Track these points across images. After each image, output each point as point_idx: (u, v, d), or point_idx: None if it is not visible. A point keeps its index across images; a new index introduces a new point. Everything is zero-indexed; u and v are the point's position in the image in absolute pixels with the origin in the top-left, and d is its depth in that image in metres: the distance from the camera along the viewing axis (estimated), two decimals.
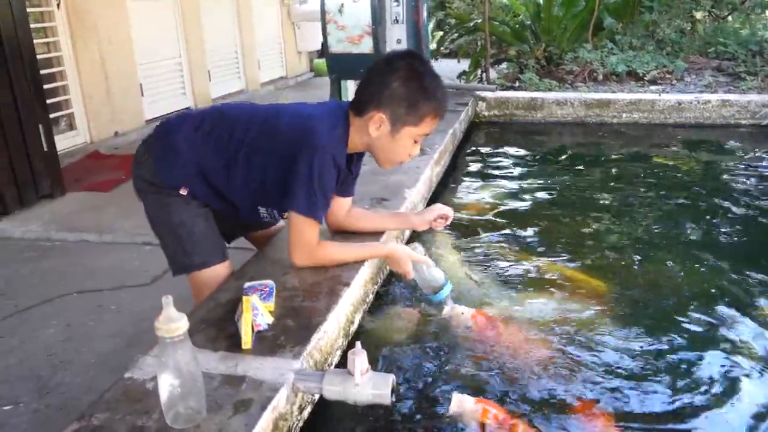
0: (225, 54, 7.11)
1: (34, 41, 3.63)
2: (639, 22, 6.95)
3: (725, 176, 4.04)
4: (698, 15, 7.59)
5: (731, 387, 1.77)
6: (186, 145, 1.79)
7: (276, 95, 7.42)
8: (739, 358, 1.90)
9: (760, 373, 1.84)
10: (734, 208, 3.28)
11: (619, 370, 1.84)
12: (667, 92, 5.46)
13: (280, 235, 2.18)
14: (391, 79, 1.69)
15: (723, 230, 3.04)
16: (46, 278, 2.81)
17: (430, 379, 1.81)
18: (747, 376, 1.82)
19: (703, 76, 5.91)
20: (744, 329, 2.07)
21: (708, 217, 3.20)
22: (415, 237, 2.68)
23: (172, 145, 1.81)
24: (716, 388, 1.77)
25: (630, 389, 1.76)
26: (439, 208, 2.20)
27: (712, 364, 1.88)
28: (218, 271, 1.87)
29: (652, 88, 5.67)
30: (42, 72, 3.79)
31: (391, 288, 2.33)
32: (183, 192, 1.81)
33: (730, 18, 7.80)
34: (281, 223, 2.21)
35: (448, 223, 2.20)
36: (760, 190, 3.64)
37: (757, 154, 4.48)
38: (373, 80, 1.73)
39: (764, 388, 1.78)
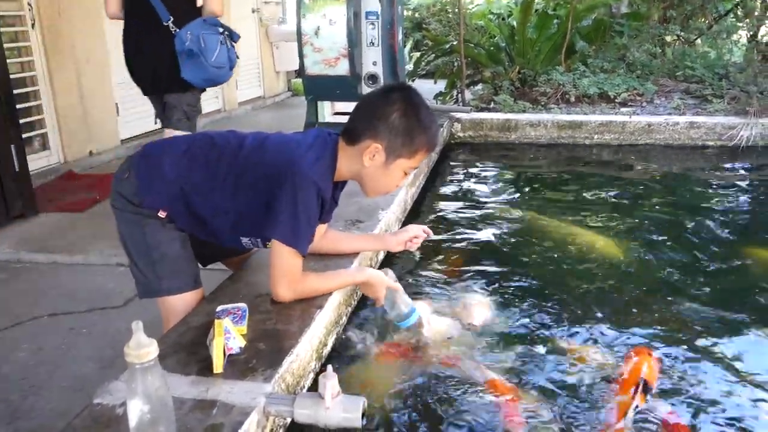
0: None
1: (8, 60, 3.61)
2: (610, 46, 7.12)
3: (693, 195, 4.15)
4: (668, 38, 7.79)
5: None
6: (172, 166, 1.77)
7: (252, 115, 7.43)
8: None
9: None
10: (701, 226, 3.37)
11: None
12: (638, 114, 5.58)
13: (255, 257, 2.19)
14: (389, 111, 1.69)
15: (685, 250, 3.12)
16: (17, 301, 2.78)
17: (401, 404, 1.82)
18: None
19: (672, 99, 6.05)
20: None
21: (675, 235, 3.28)
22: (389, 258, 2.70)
23: (157, 165, 1.78)
24: None
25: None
26: (414, 229, 2.23)
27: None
28: (187, 299, 1.84)
29: (623, 110, 5.79)
30: (15, 92, 3.76)
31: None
32: (161, 214, 1.78)
33: (699, 41, 8.03)
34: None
35: (424, 239, 2.23)
36: (726, 209, 3.74)
37: (723, 175, 4.61)
38: (369, 110, 1.73)
39: None
